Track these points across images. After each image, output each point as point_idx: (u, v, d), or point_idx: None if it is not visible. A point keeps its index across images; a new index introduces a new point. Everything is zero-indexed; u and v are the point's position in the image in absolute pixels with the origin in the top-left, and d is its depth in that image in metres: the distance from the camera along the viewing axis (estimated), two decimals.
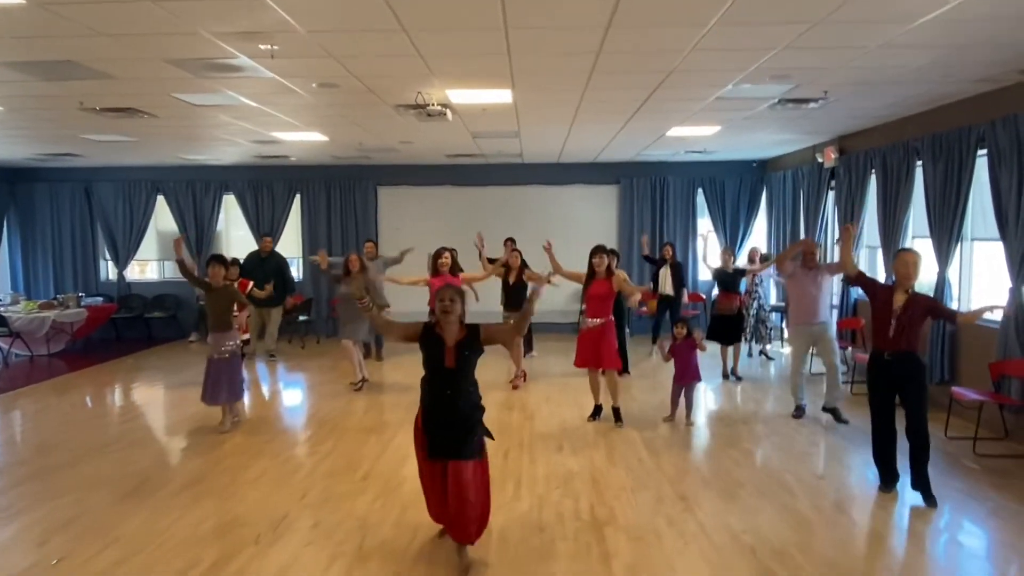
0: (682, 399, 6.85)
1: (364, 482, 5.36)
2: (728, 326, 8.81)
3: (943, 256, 7.03)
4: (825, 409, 6.82)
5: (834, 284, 7.29)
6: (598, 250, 6.60)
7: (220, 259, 6.68)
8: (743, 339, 9.28)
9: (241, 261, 10.17)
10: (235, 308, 6.84)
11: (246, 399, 7.37)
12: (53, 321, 10.31)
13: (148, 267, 13.18)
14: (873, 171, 8.54)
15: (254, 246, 11.38)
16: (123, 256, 12.66)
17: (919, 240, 7.92)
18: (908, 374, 4.84)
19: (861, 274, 5.35)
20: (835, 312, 9.70)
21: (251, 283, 8.47)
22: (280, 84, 5.89)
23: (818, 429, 6.75)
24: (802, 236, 10.65)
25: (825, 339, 6.91)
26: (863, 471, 5.71)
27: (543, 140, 9.59)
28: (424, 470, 3.95)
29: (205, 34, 4.43)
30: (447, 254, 7.37)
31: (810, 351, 7.28)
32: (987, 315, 5.34)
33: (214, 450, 6.21)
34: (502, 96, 6.49)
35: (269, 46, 4.73)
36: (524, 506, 4.84)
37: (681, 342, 6.84)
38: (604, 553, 4.17)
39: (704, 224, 12.63)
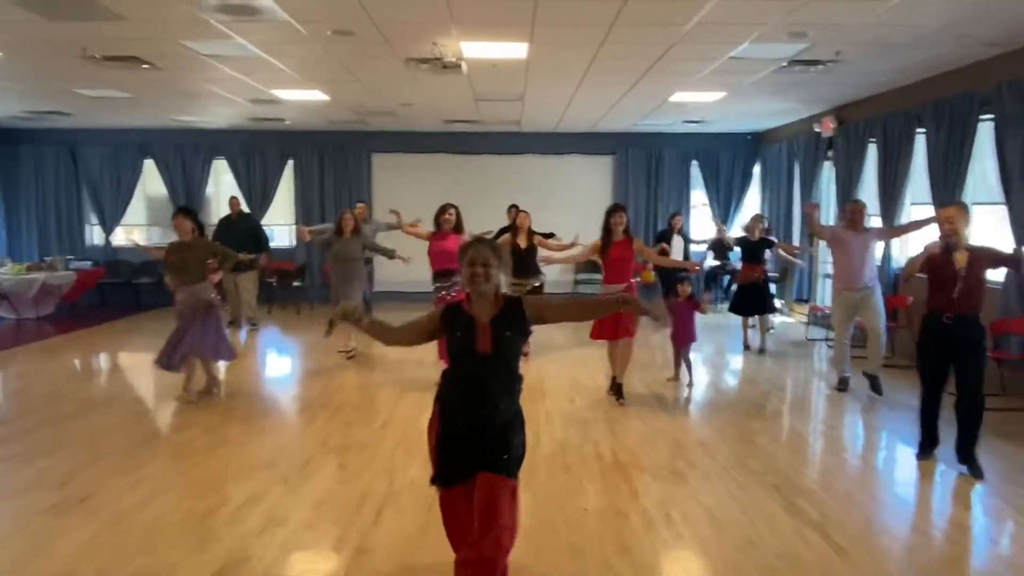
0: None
1: (383, 430, 5.41)
2: (752, 296, 8.50)
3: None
4: (866, 374, 6.44)
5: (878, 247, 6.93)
6: (618, 208, 6.04)
7: (186, 211, 6.20)
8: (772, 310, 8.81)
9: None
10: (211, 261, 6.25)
11: (222, 365, 6.83)
12: (43, 283, 10.12)
13: (135, 232, 12.92)
14: (872, 140, 8.65)
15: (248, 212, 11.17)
16: (110, 221, 12.43)
17: (917, 207, 8.08)
18: (972, 338, 4.49)
19: (909, 275, 5.07)
20: None
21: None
22: (294, 30, 5.77)
23: (826, 389, 6.89)
24: (797, 207, 10.81)
25: (870, 304, 6.42)
26: (873, 422, 5.91)
27: (545, 105, 9.58)
28: (444, 501, 2.77)
29: None
30: (452, 210, 7.06)
31: (853, 319, 6.61)
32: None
33: (224, 404, 6.20)
34: (517, 50, 6.45)
35: None
36: (546, 451, 4.89)
37: (683, 301, 6.83)
38: (633, 491, 4.25)
39: (698, 196, 12.78)
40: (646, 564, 3.40)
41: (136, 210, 12.70)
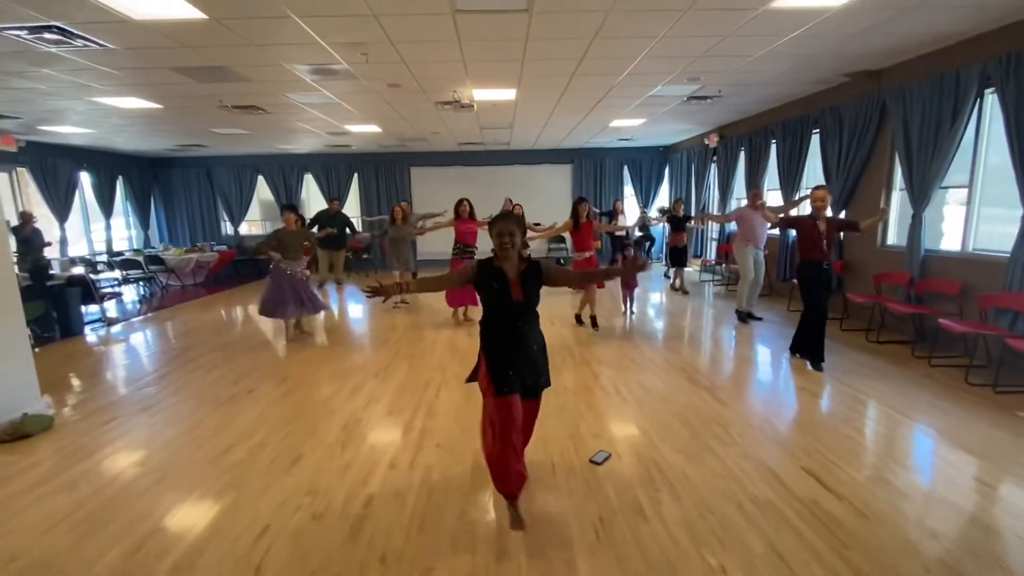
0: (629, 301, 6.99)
1: (433, 345, 5.57)
2: (678, 254, 8.43)
3: (789, 198, 7.36)
4: (747, 313, 6.40)
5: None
6: (582, 200, 5.85)
7: (291, 207, 5.87)
8: (687, 264, 8.87)
9: (316, 214, 9.79)
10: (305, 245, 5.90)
11: (333, 309, 7.07)
12: (196, 261, 10.15)
13: (254, 225, 12.89)
14: (742, 149, 8.74)
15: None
16: (237, 217, 12.35)
17: (772, 192, 8.22)
18: (831, 276, 4.59)
19: (782, 220, 4.80)
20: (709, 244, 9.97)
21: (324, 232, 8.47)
22: (361, 85, 5.79)
23: (728, 316, 6.92)
24: (694, 197, 10.88)
25: (762, 261, 6.35)
26: (745, 331, 6.05)
27: (527, 131, 9.51)
28: (503, 408, 2.32)
29: (324, 43, 4.37)
30: (466, 202, 6.79)
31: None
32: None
33: (328, 333, 6.36)
34: (509, 94, 6.46)
35: (364, 54, 4.68)
36: None
37: (629, 260, 7.02)
38: (594, 372, 4.51)
39: (628, 190, 12.81)
40: (605, 415, 3.67)
41: (253, 210, 12.58)
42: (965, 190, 4.90)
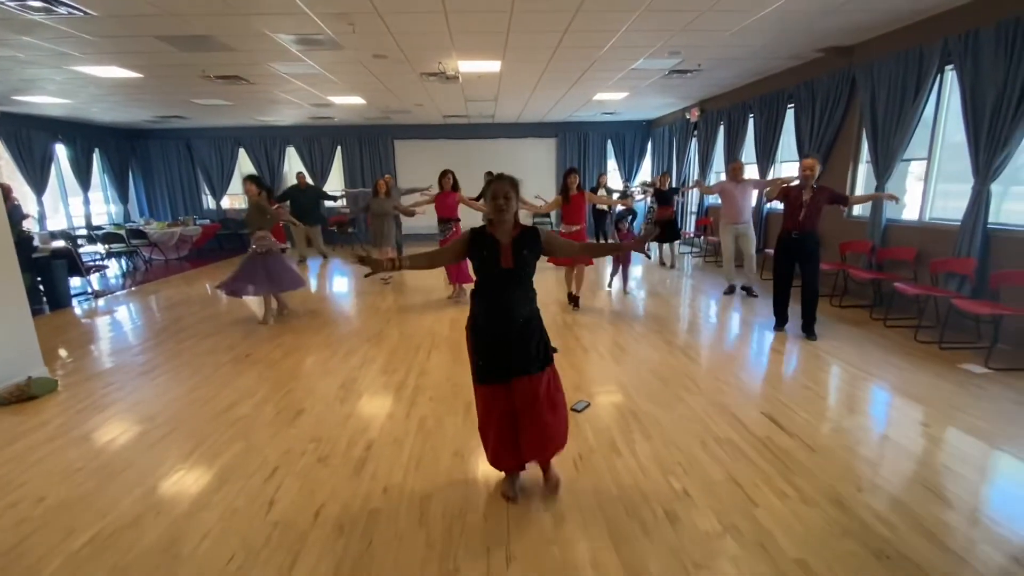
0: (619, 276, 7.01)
1: (422, 315, 5.75)
2: (666, 229, 8.21)
3: (765, 170, 7.64)
4: (743, 287, 6.43)
5: (754, 193, 6.31)
6: (572, 171, 5.49)
7: (252, 178, 5.37)
8: (680, 238, 8.63)
9: (286, 189, 9.68)
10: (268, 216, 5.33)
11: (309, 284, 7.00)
12: (180, 235, 10.10)
13: (236, 199, 12.75)
14: (722, 122, 8.93)
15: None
16: (218, 191, 12.22)
17: (749, 165, 8.43)
18: (809, 247, 4.48)
19: (781, 191, 4.74)
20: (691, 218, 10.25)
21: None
22: (346, 55, 5.81)
23: (705, 286, 7.12)
24: (674, 170, 11.10)
25: (747, 236, 6.16)
26: (724, 302, 6.33)
27: (511, 104, 9.54)
28: (481, 396, 2.30)
29: (311, 13, 4.41)
30: (449, 174, 6.51)
31: (736, 244, 6.33)
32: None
33: (317, 304, 6.49)
34: (493, 66, 6.52)
35: (351, 24, 4.73)
36: None
37: (624, 234, 7.14)
38: (577, 337, 4.76)
39: (611, 164, 12.96)
40: (585, 371, 3.93)
41: (235, 184, 12.40)
42: (924, 162, 5.20)
